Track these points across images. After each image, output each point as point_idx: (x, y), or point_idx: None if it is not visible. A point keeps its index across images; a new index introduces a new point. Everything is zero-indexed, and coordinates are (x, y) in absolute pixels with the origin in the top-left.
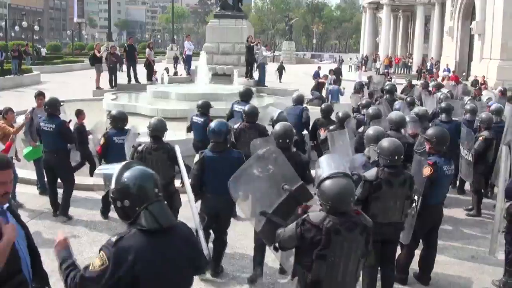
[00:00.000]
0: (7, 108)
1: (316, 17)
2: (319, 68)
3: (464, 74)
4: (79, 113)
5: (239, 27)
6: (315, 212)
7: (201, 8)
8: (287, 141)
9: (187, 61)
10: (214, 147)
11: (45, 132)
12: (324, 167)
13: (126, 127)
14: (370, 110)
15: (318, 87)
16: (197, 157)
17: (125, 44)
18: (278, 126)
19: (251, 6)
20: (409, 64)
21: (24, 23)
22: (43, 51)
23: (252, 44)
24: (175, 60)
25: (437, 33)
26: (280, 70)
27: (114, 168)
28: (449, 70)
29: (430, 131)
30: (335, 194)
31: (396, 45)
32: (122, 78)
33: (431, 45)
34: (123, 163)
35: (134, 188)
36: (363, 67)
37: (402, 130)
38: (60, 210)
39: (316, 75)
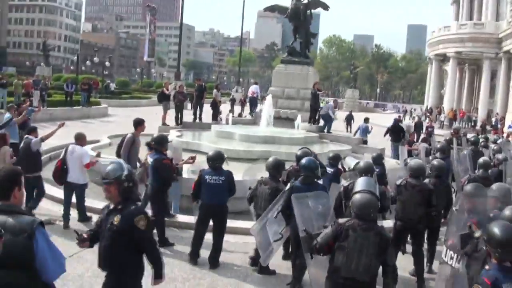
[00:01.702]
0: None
1: (381, 66)
2: (399, 117)
3: None
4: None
5: (305, 73)
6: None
7: (267, 53)
8: (369, 174)
9: (253, 103)
10: (304, 180)
11: (150, 165)
12: (358, 185)
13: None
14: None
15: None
16: (289, 185)
17: (196, 84)
18: (362, 163)
19: (317, 53)
20: (473, 118)
21: (96, 59)
22: (113, 86)
23: (318, 92)
24: (232, 103)
25: (503, 88)
26: (349, 119)
27: (112, 161)
28: None
29: (493, 230)
30: (359, 204)
31: (461, 98)
32: (187, 116)
33: (496, 100)
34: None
35: (134, 175)
36: (427, 118)
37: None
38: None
39: (395, 123)
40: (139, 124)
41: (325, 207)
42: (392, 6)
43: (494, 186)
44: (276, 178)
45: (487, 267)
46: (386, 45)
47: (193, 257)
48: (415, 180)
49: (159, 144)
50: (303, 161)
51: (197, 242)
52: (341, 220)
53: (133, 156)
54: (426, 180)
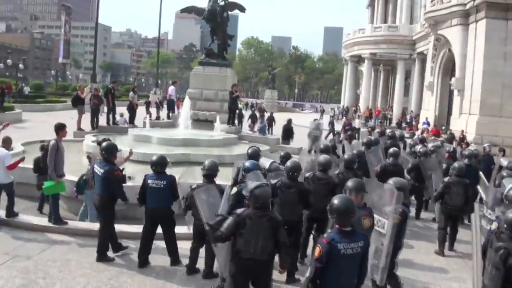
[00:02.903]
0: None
1: (299, 67)
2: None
3: (443, 128)
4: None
5: (223, 75)
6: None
7: (186, 54)
8: (295, 174)
9: (170, 106)
10: (205, 180)
11: (96, 174)
12: (253, 180)
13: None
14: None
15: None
16: (235, 189)
17: (108, 86)
18: (289, 163)
19: (235, 54)
20: (389, 116)
21: (9, 61)
22: (27, 89)
23: (235, 94)
24: (147, 105)
25: (417, 87)
26: (270, 122)
27: None
28: (428, 123)
29: (333, 201)
30: (254, 196)
31: (376, 98)
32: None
33: (411, 99)
34: None
35: None
36: (344, 117)
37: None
38: (97, 250)
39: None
40: (60, 129)
41: (215, 198)
42: (309, 9)
43: (391, 180)
44: (212, 178)
45: (329, 230)
46: (304, 46)
47: (142, 265)
48: (322, 174)
49: (109, 153)
50: (247, 164)
51: (144, 248)
52: (239, 211)
53: (60, 163)
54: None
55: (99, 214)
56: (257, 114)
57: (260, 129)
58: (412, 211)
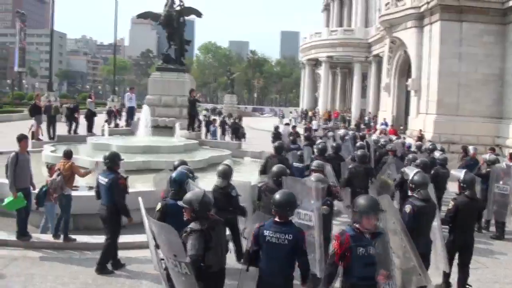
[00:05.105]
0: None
1: (257, 71)
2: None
3: (401, 128)
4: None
5: (181, 80)
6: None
7: (143, 61)
8: (279, 179)
9: (130, 113)
10: (174, 195)
11: (100, 185)
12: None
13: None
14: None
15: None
16: (159, 205)
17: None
18: (275, 168)
19: (193, 60)
20: (347, 118)
21: None
22: None
23: (194, 98)
24: (109, 113)
25: (374, 89)
26: (236, 131)
27: None
28: (386, 124)
29: (275, 196)
30: (204, 204)
31: (334, 100)
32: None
33: (368, 100)
34: None
35: None
36: (303, 120)
37: None
38: (98, 261)
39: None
40: (20, 140)
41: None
42: (266, 14)
43: (313, 177)
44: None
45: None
46: (261, 51)
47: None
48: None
49: (112, 162)
50: (173, 174)
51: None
52: (196, 227)
53: (22, 175)
54: None
55: (105, 225)
56: (227, 121)
57: (212, 133)
58: None
